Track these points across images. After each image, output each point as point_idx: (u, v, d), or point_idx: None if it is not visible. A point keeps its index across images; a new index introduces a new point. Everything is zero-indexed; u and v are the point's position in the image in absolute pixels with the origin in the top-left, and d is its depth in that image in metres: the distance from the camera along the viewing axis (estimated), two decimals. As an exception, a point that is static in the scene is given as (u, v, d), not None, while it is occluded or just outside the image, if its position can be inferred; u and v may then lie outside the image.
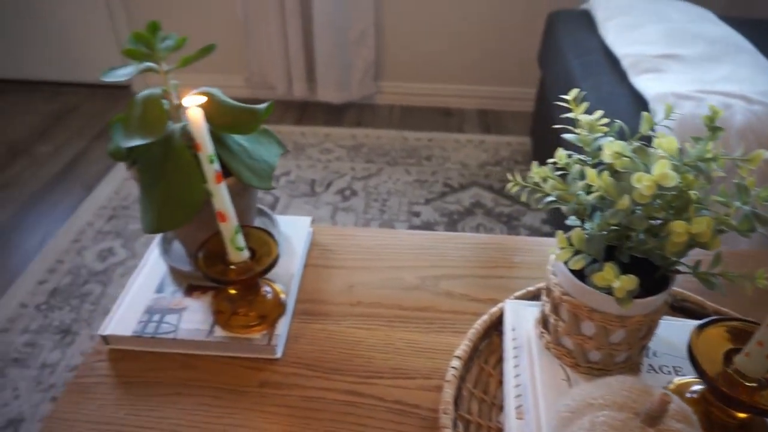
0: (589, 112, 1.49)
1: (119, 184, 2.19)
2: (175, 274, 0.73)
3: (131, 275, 0.72)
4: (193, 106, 0.48)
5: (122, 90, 2.96)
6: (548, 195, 0.50)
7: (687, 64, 1.49)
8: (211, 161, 0.53)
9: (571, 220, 0.52)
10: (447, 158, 2.38)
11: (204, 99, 0.50)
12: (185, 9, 2.70)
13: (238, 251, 0.60)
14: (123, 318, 0.66)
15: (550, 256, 0.54)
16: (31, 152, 2.45)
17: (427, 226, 1.99)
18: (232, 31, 2.69)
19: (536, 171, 0.46)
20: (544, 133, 2.14)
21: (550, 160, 0.49)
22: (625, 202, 0.39)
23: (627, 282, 0.43)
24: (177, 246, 0.76)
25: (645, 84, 1.40)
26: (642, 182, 0.37)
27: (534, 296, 0.68)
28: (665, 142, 0.45)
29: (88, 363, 0.64)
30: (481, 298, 0.73)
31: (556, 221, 1.87)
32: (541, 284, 0.69)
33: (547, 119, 2.04)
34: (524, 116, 2.72)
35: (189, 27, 2.72)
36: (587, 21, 1.95)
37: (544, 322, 0.56)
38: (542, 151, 2.18)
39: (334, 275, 0.76)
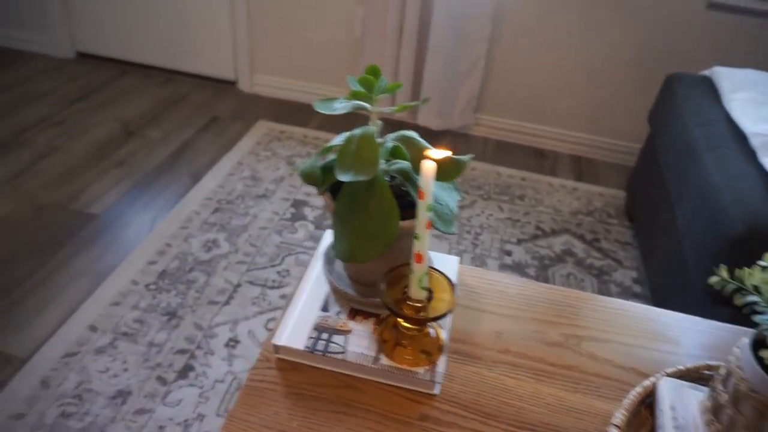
0: (717, 187, 1.47)
1: (224, 178, 2.29)
2: (338, 294, 0.77)
3: (295, 288, 0.78)
4: (432, 160, 0.53)
5: (228, 84, 3.09)
6: (751, 294, 0.52)
7: (820, 150, 1.46)
8: (429, 210, 0.57)
9: (760, 319, 0.54)
10: (540, 201, 2.39)
11: (444, 154, 0.55)
12: (306, 17, 2.79)
13: (421, 290, 0.64)
14: (294, 331, 0.71)
15: (734, 349, 0.56)
16: (142, 134, 2.59)
17: (519, 267, 2.00)
18: (346, 46, 2.78)
19: (752, 275, 0.49)
20: (643, 191, 2.12)
21: (761, 262, 0.51)
22: None
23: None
24: (337, 265, 0.81)
25: (779, 167, 1.38)
26: None
27: (682, 375, 0.70)
28: None
29: (260, 369, 0.70)
30: (625, 366, 0.75)
31: (649, 282, 1.86)
32: (691, 365, 0.71)
33: (650, 177, 2.03)
34: (619, 169, 2.71)
35: (307, 36, 2.82)
36: (709, 89, 1.93)
37: (715, 410, 0.58)
38: (638, 208, 2.17)
39: (482, 319, 0.79)
